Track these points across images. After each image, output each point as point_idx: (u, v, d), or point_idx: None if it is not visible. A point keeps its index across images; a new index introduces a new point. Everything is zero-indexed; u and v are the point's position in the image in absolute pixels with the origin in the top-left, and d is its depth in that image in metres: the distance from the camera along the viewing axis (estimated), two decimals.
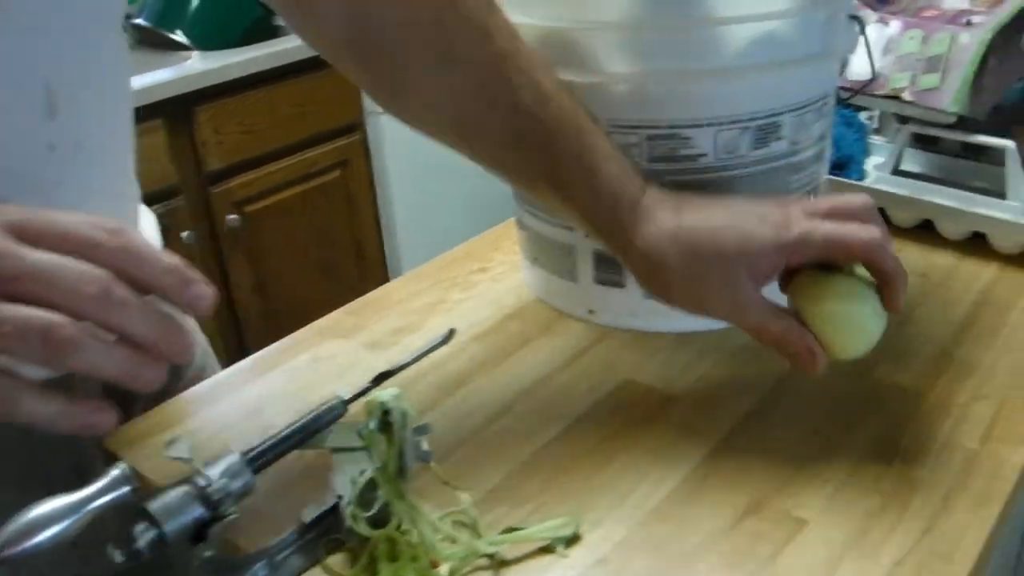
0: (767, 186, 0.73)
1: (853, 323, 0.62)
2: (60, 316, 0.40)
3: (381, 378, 0.56)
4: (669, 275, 0.61)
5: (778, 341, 0.61)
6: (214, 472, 0.49)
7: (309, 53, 2.02)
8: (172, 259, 0.44)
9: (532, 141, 0.61)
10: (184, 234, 1.90)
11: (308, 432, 0.54)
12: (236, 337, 2.03)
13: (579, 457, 0.65)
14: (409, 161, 2.15)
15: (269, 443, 0.52)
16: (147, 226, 0.79)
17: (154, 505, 0.47)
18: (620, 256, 0.64)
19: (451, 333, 0.58)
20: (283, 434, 0.53)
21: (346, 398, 0.55)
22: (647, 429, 0.67)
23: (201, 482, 0.48)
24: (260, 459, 0.52)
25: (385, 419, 0.52)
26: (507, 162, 0.64)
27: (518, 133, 0.61)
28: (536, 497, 0.62)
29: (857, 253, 0.59)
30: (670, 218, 0.61)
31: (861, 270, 0.63)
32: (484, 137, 0.62)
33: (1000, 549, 0.82)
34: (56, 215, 0.43)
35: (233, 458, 0.50)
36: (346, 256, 2.16)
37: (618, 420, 0.69)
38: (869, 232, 0.59)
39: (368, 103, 2.07)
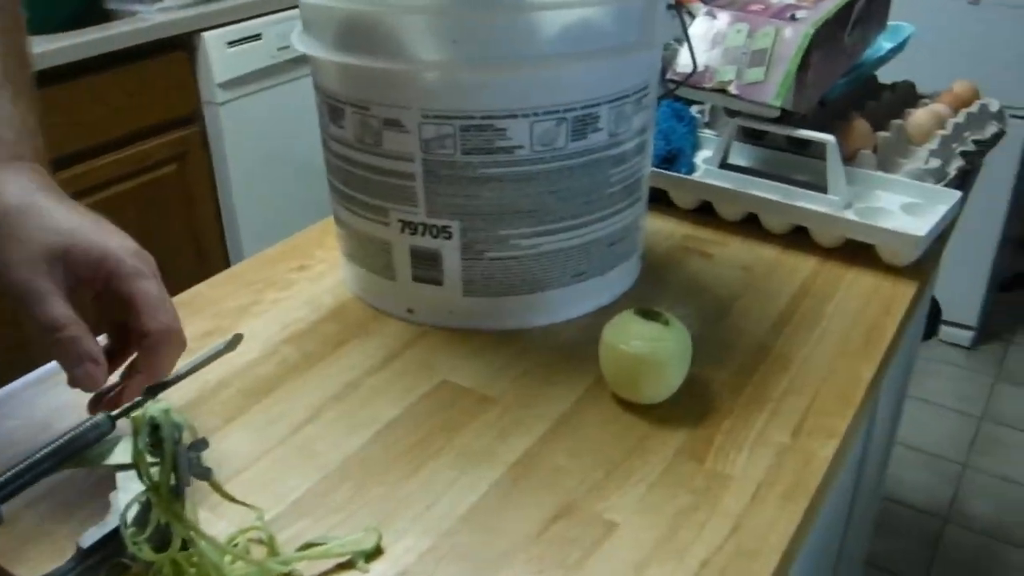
0: (587, 179, 0.71)
1: (656, 367, 0.65)
2: None
3: (153, 391, 0.51)
4: None
5: (56, 342, 0.55)
6: None
7: (143, 38, 1.92)
8: None
9: None
10: None
11: (65, 454, 0.49)
12: None
13: (389, 463, 0.62)
14: (251, 152, 2.06)
15: (17, 468, 0.47)
16: None
17: None
18: None
19: (236, 339, 0.54)
20: (35, 458, 0.48)
21: (113, 413, 0.50)
22: (460, 432, 0.65)
23: None
24: (6, 487, 0.46)
25: (156, 435, 0.48)
26: None
27: None
28: (343, 508, 0.58)
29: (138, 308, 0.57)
30: (23, 186, 0.58)
31: (678, 324, 0.66)
32: None
33: (816, 546, 0.83)
34: None
35: None
36: (184, 255, 2.05)
37: (431, 423, 0.65)
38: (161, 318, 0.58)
39: (205, 92, 1.98)
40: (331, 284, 0.84)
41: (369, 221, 0.75)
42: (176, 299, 0.83)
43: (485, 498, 0.59)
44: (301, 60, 2.11)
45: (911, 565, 1.80)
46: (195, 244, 2.07)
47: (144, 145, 1.95)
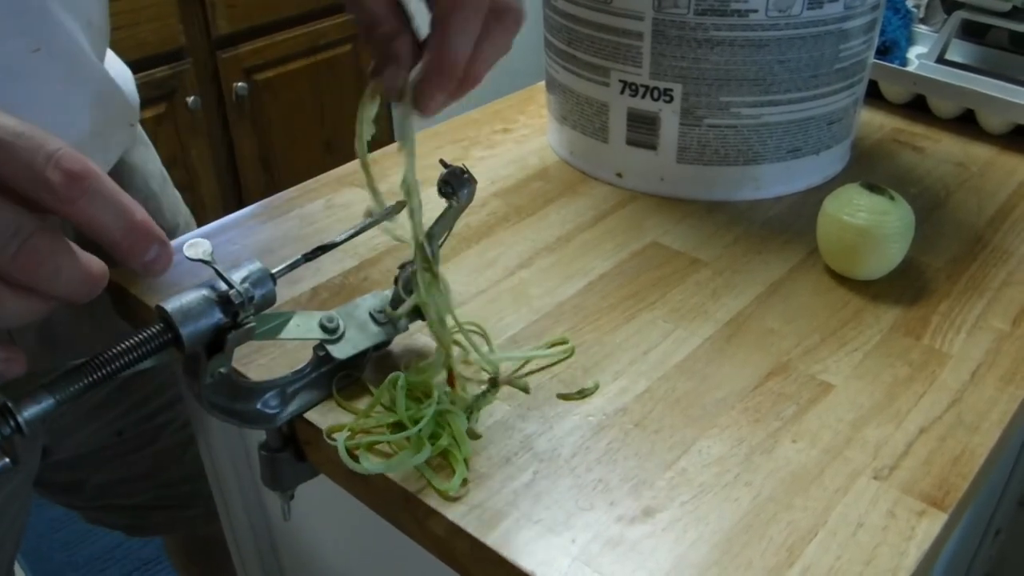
0: (817, 52, 0.70)
1: (880, 241, 0.63)
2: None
3: (317, 252, 0.53)
4: None
5: (368, 40, 0.51)
6: (236, 277, 0.47)
7: None
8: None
9: None
10: (190, 99, 1.85)
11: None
12: (238, 205, 2.00)
13: (602, 312, 0.64)
14: None
15: (280, 267, 0.50)
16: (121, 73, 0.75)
17: (171, 305, 0.45)
18: None
19: (398, 205, 0.55)
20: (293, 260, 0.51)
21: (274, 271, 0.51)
22: (672, 290, 0.66)
23: (221, 286, 0.46)
24: (282, 274, 0.49)
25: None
26: None
27: None
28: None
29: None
30: None
31: (903, 201, 0.64)
32: None
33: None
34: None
35: (254, 266, 0.48)
36: (351, 134, 2.12)
37: (643, 279, 0.67)
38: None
39: None
40: (536, 147, 0.86)
41: (588, 82, 0.75)
42: (384, 149, 0.87)
43: (699, 350, 0.60)
44: None
45: None
46: None
47: (321, 24, 2.00)
